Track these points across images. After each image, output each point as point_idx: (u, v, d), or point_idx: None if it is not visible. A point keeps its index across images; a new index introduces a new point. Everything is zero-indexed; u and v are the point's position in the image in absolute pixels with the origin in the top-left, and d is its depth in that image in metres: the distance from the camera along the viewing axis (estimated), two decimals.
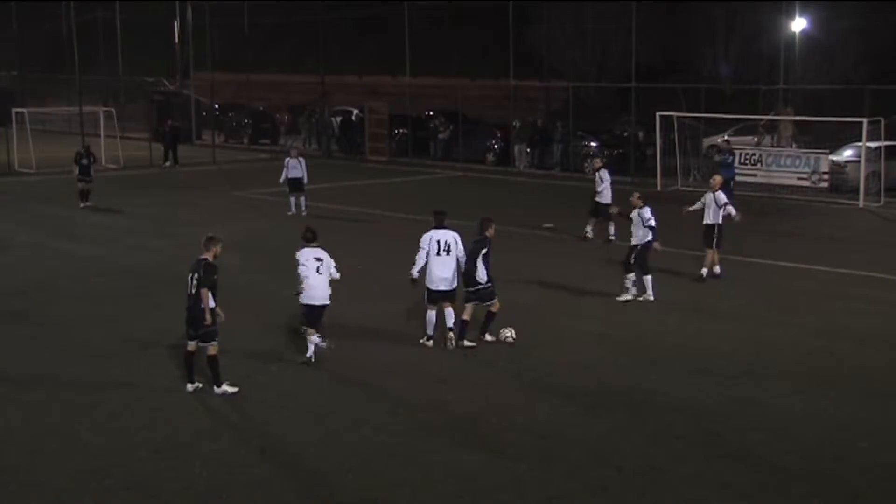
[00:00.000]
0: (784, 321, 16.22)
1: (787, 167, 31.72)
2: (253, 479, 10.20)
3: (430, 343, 14.62)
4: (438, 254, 14.47)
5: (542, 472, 10.35)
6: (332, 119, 46.23)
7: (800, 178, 31.36)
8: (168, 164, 40.32)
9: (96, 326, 15.94)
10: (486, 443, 11.14)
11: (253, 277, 19.21)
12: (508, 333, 14.74)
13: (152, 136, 43.17)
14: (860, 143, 29.42)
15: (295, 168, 27.21)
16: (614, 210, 20.52)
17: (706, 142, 35.45)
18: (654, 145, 33.83)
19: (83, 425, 11.67)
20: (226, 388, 12.69)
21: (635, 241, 17.46)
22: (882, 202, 29.00)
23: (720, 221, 19.01)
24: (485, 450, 10.93)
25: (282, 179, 27.47)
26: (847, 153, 31.22)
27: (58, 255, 21.63)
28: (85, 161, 28.60)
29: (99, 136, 38.51)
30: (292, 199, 27.20)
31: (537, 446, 11.04)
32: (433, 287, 14.50)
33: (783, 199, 30.28)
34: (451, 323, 14.56)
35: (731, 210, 19.07)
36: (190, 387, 12.79)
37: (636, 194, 17.79)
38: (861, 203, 28.84)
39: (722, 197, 18.95)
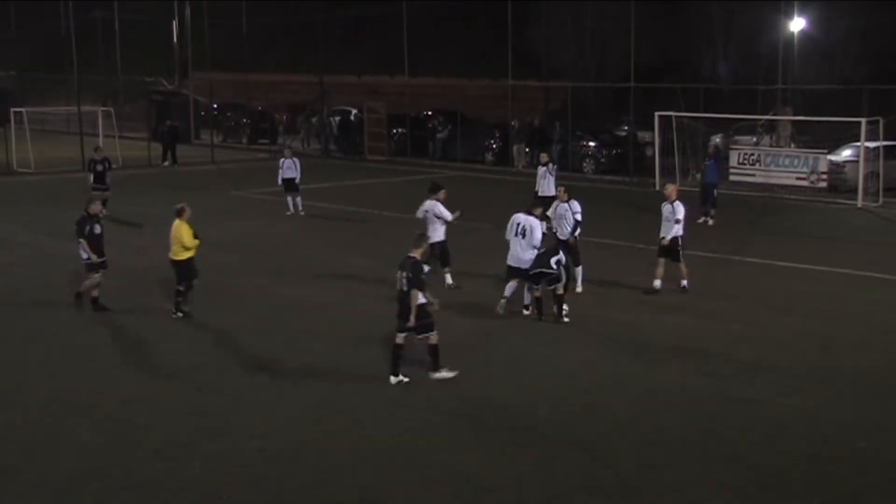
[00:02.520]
0: (782, 321, 16.24)
1: (786, 167, 31.75)
2: (252, 479, 10.22)
3: (502, 308, 16.34)
4: (516, 235, 16.23)
5: (541, 472, 10.37)
6: (331, 119, 46.26)
7: (798, 178, 31.39)
8: (167, 163, 40.33)
9: (92, 329, 15.96)
10: (485, 442, 11.16)
11: (251, 277, 19.22)
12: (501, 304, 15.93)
13: (151, 136, 43.18)
14: (859, 143, 29.46)
15: (289, 168, 27.24)
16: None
17: (712, 140, 35.48)
18: (653, 145, 33.90)
19: (83, 425, 11.70)
20: (444, 373, 13.17)
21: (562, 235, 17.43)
22: (881, 202, 29.06)
23: (682, 233, 17.94)
24: (484, 450, 10.96)
25: (279, 181, 27.52)
26: (846, 153, 31.26)
27: (53, 257, 21.61)
28: (100, 167, 26.89)
29: (97, 135, 38.49)
30: (289, 200, 27.24)
31: (537, 445, 11.06)
32: (508, 263, 16.37)
33: (782, 199, 30.32)
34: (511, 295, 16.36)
35: (680, 222, 17.81)
36: (393, 379, 13.06)
37: (561, 188, 17.89)
38: (860, 203, 28.88)
39: (680, 209, 17.82)
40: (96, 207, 16.61)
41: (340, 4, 52.90)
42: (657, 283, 17.83)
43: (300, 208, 27.07)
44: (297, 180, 27.34)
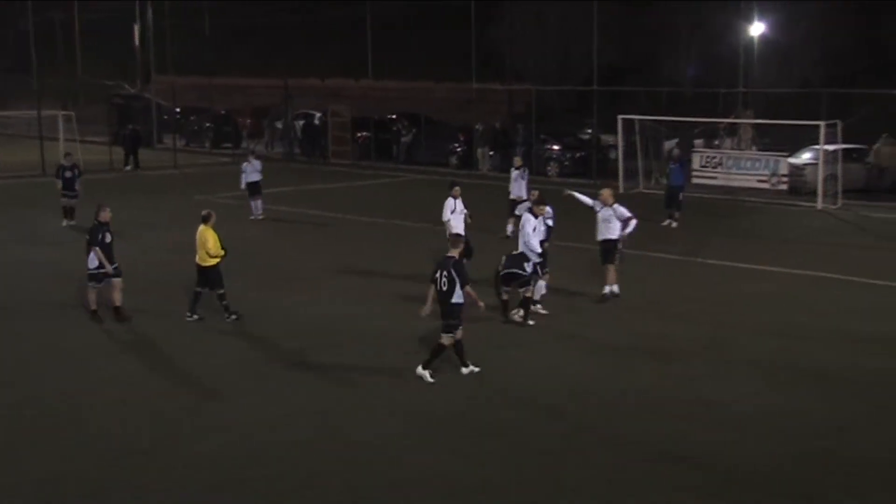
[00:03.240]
0: (744, 322, 16.43)
1: (747, 169, 32.08)
2: (242, 480, 10.24)
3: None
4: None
5: (509, 475, 10.44)
6: (295, 122, 46.12)
7: (759, 181, 31.72)
8: (129, 167, 40.02)
9: (57, 332, 15.85)
10: (452, 445, 11.21)
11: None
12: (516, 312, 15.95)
13: (112, 140, 42.82)
14: (818, 146, 29.82)
15: (253, 172, 27.16)
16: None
17: (667, 144, 35.76)
18: (616, 148, 34.14)
19: (66, 429, 11.63)
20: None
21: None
22: (839, 204, 29.40)
23: (630, 229, 17.71)
24: (450, 453, 11.01)
25: (242, 185, 27.41)
26: (805, 156, 31.63)
27: (15, 261, 21.42)
28: (69, 174, 26.04)
29: (58, 139, 38.13)
30: (253, 203, 27.12)
31: (502, 449, 11.12)
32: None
33: (743, 202, 30.61)
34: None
35: (631, 227, 17.68)
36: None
37: (536, 192, 17.76)
38: (819, 205, 29.23)
39: (624, 212, 17.53)
40: (107, 214, 16.29)
41: (304, 7, 52.81)
42: (608, 289, 17.77)
43: (260, 211, 27.00)
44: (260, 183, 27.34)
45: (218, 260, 16.17)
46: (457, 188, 19.80)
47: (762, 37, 38.97)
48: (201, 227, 16.19)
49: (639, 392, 12.99)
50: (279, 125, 46.69)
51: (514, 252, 16.47)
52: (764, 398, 12.74)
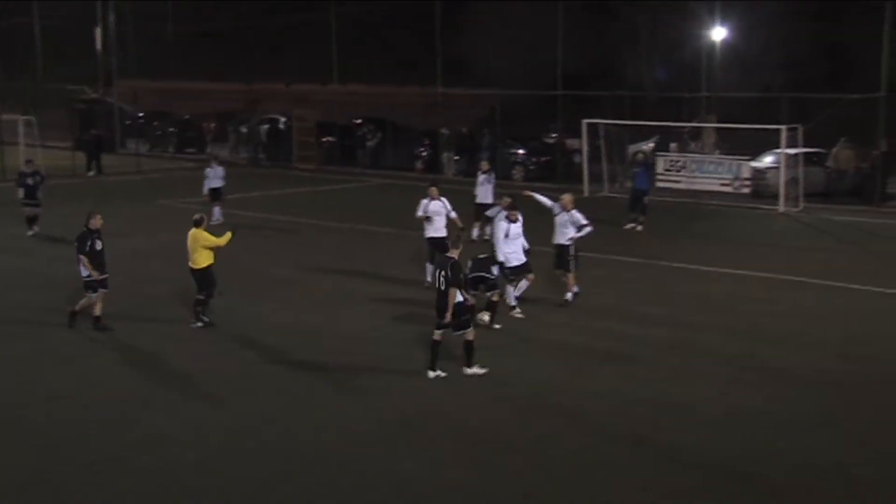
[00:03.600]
0: (707, 324, 16.59)
1: (711, 173, 32.43)
2: (183, 491, 10.16)
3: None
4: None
5: (477, 479, 10.48)
6: (260, 127, 45.96)
7: (723, 184, 32.06)
8: (92, 173, 39.68)
9: (19, 341, 15.70)
10: (421, 450, 11.24)
11: (179, 286, 18.98)
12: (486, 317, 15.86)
13: (75, 145, 42.43)
14: (780, 150, 30.18)
15: (215, 178, 27.02)
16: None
17: (631, 148, 36.03)
18: (580, 152, 34.34)
19: (10, 439, 11.52)
20: (476, 369, 13.67)
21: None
22: (801, 207, 29.77)
23: (586, 231, 17.73)
24: (420, 457, 11.03)
25: (205, 191, 27.24)
26: (767, 159, 31.99)
27: None
28: (30, 181, 25.16)
29: (18, 144, 37.72)
30: (214, 208, 26.93)
31: (470, 452, 11.16)
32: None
33: (707, 205, 30.90)
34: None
35: (583, 233, 17.69)
36: (431, 374, 13.58)
37: (509, 199, 17.70)
38: (781, 208, 29.57)
39: (580, 218, 17.59)
40: (97, 221, 16.10)
41: (268, 12, 52.66)
42: (569, 295, 17.76)
43: (218, 216, 26.78)
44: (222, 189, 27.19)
45: (212, 262, 16.18)
46: (433, 188, 19.70)
47: (724, 42, 39.36)
48: (193, 231, 16.20)
49: (604, 394, 13.08)
50: (244, 130, 46.52)
51: (481, 256, 16.52)
52: (727, 399, 12.87)
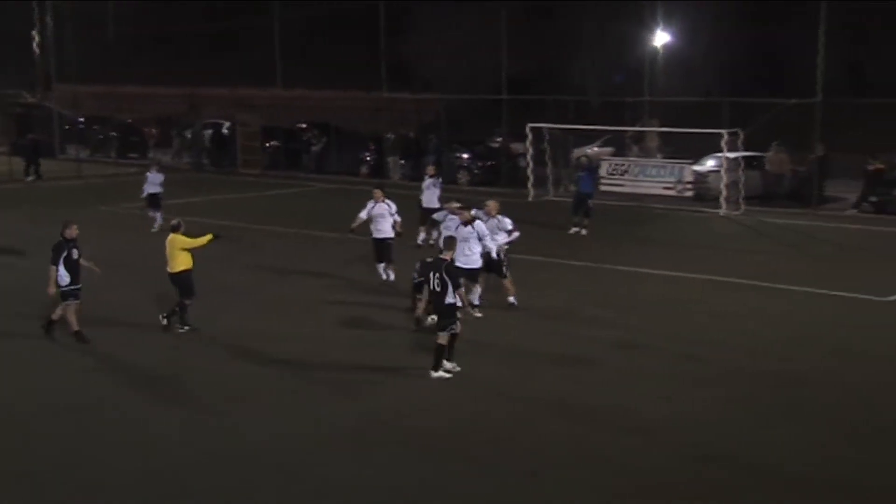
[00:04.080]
0: (654, 328, 16.81)
1: (654, 177, 32.76)
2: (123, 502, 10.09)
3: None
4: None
5: (426, 483, 10.54)
6: (203, 132, 45.57)
7: (665, 188, 32.42)
8: (30, 178, 39.03)
9: None
10: (369, 455, 11.27)
11: (123, 293, 18.80)
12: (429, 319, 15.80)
13: (12, 150, 41.70)
14: (721, 154, 30.64)
15: (153, 184, 26.81)
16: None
17: (575, 152, 36.33)
18: (525, 156, 34.56)
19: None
20: (441, 373, 13.83)
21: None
22: (741, 210, 30.22)
23: (511, 239, 17.88)
24: (369, 462, 11.06)
25: (143, 195, 27.03)
26: (709, 163, 32.43)
27: None
28: None
29: None
30: (152, 214, 26.66)
31: (421, 457, 11.21)
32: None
33: (650, 208, 31.23)
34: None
35: (511, 238, 17.82)
36: (433, 374, 13.81)
37: (456, 203, 17.86)
38: (723, 211, 30.00)
39: (507, 223, 17.64)
40: (73, 231, 15.82)
41: (211, 15, 52.21)
42: (512, 299, 17.84)
43: (158, 223, 26.52)
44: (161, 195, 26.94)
45: (189, 266, 16.24)
46: (377, 190, 20.05)
47: (667, 46, 39.85)
48: (171, 236, 16.26)
49: (549, 398, 13.21)
50: (187, 135, 46.10)
51: (428, 259, 16.56)
52: (672, 403, 13.07)
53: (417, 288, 16.15)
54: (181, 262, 16.25)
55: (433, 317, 16.22)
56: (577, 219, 26.74)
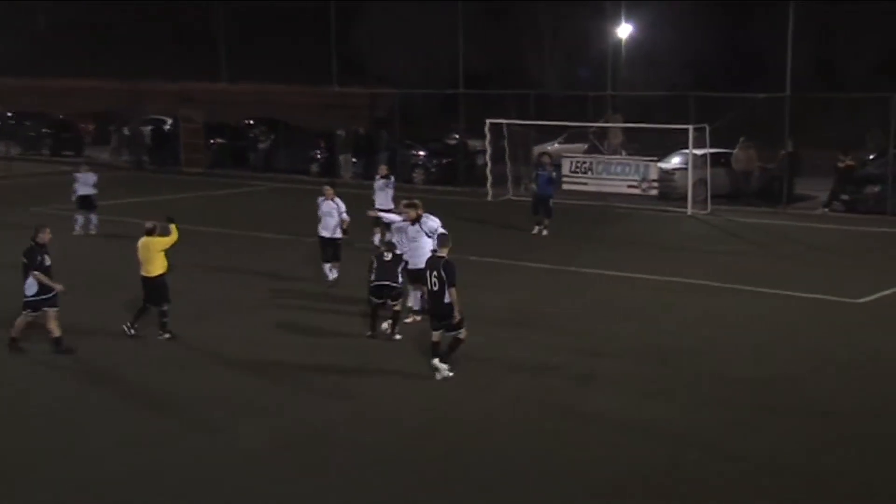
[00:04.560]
0: (618, 332, 16.84)
1: (618, 175, 32.84)
2: None
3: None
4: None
5: (376, 501, 10.44)
6: (143, 128, 45.09)
7: (630, 186, 32.50)
8: None
9: None
10: (314, 470, 11.16)
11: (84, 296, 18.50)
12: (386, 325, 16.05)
13: None
14: (687, 151, 30.82)
15: (85, 184, 26.29)
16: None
17: (536, 149, 36.38)
18: (483, 153, 34.58)
19: None
20: (445, 371, 14.09)
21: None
22: (709, 209, 30.41)
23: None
24: (313, 477, 10.95)
25: (74, 197, 26.54)
26: (675, 160, 32.63)
27: None
28: None
29: None
30: (79, 218, 26.16)
31: (371, 472, 11.11)
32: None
33: (614, 208, 31.36)
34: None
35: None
36: (439, 375, 14.06)
37: (404, 201, 17.71)
38: (689, 210, 30.18)
39: (433, 223, 16.90)
40: (46, 236, 15.55)
41: (151, 5, 51.69)
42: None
43: (93, 226, 26.07)
44: (94, 196, 26.44)
45: (166, 270, 16.24)
46: (328, 188, 20.26)
47: (630, 39, 40.11)
48: (144, 240, 16.20)
49: (506, 405, 13.18)
50: (126, 132, 45.59)
51: (386, 259, 16.46)
52: (638, 410, 13.08)
53: (375, 292, 16.02)
54: (159, 265, 16.25)
55: (387, 324, 16.16)
56: (537, 218, 26.79)
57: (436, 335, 14.15)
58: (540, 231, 26.64)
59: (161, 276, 16.31)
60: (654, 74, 43.13)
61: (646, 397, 13.56)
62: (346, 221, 19.79)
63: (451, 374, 14.14)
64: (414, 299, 17.18)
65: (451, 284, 13.88)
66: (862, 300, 19.10)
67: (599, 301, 19.11)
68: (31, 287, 15.28)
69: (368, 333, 16.21)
